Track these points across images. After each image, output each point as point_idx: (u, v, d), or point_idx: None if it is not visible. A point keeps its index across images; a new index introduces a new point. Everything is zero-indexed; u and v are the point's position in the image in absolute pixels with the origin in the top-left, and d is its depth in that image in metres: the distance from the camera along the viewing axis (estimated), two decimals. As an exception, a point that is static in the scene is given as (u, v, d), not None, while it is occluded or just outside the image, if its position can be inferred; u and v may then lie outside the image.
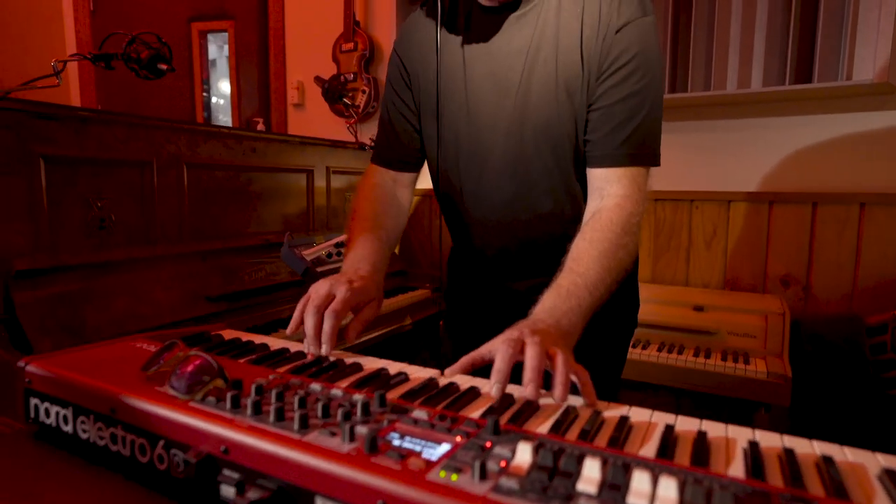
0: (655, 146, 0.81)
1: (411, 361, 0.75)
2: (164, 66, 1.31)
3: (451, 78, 0.88)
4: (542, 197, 0.87)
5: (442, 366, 0.68)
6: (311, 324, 0.70)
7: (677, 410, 1.92)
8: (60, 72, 1.19)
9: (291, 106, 2.59)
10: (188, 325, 1.34)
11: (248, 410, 0.48)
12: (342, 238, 1.21)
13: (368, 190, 0.98)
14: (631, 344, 1.56)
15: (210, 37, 2.69)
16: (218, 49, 2.90)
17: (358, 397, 0.52)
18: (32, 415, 0.60)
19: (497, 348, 0.59)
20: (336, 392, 0.53)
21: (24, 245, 1.14)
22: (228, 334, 0.82)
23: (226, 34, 2.63)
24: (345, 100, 1.88)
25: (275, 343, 0.77)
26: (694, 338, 1.51)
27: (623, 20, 0.78)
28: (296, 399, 0.49)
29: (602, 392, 0.60)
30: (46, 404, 0.59)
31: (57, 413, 0.58)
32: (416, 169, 1.00)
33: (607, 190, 0.80)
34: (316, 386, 0.55)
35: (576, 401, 0.57)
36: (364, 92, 2.30)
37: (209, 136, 1.51)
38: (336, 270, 1.11)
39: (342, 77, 1.89)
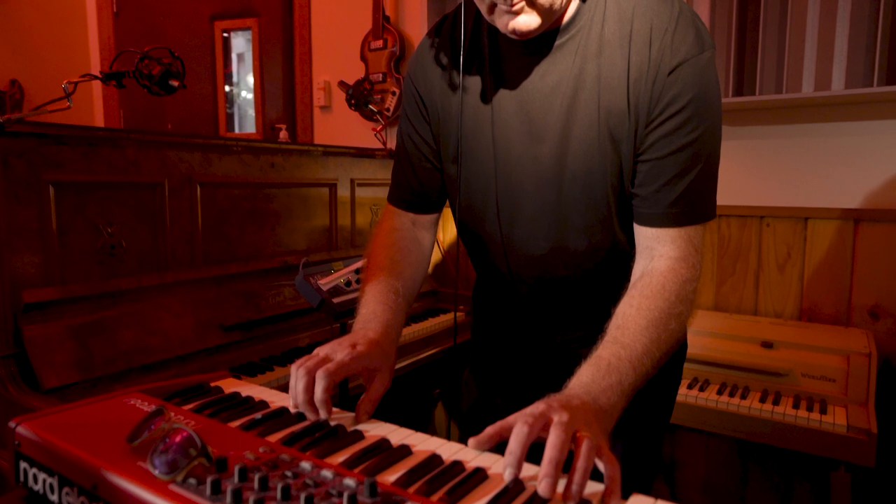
0: (712, 200, 0.80)
1: (438, 398, 0.76)
2: (175, 83, 1.37)
3: (476, 117, 0.88)
4: (581, 250, 0.86)
5: (461, 419, 0.68)
6: (301, 387, 0.70)
7: (741, 466, 1.85)
8: (71, 93, 1.27)
9: (318, 108, 2.66)
10: (200, 358, 1.40)
11: (228, 499, 0.50)
12: (363, 263, 1.23)
13: (385, 235, 0.98)
14: (686, 384, 1.52)
15: (239, 32, 2.80)
16: (247, 43, 3.00)
17: (349, 483, 0.53)
18: (22, 479, 0.65)
19: (515, 425, 0.58)
20: (326, 474, 0.55)
21: (33, 276, 1.22)
22: (229, 385, 0.85)
23: (250, 32, 2.72)
24: (371, 106, 1.91)
25: (276, 398, 0.79)
26: (761, 379, 1.45)
27: (677, 60, 0.76)
28: (279, 488, 0.51)
29: (638, 465, 0.59)
30: (35, 470, 0.63)
31: (44, 481, 0.61)
32: (439, 208, 1.00)
33: (658, 250, 0.78)
34: (306, 465, 0.56)
35: (594, 486, 0.56)
36: (394, 94, 2.34)
37: (224, 151, 1.57)
38: (356, 301, 1.13)
39: (367, 81, 1.92)
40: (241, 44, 2.84)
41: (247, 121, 2.89)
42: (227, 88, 2.80)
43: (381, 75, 2.38)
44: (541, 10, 0.76)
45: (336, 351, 0.75)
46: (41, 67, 2.67)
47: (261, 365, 1.46)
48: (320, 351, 0.75)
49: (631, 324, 0.72)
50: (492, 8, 0.77)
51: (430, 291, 2.14)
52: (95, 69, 2.86)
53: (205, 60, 2.73)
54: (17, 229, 1.19)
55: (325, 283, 1.44)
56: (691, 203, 0.78)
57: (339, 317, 1.27)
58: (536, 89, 0.83)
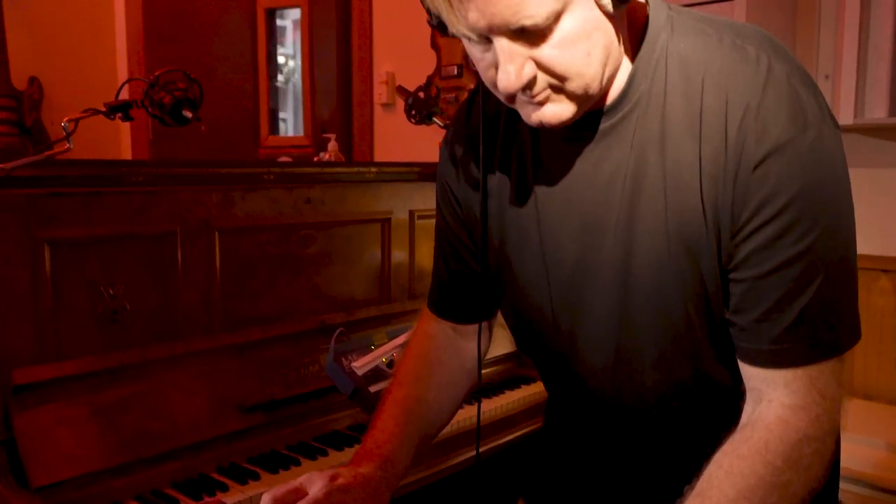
0: (848, 322, 0.76)
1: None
2: (188, 114, 1.46)
3: (519, 218, 0.89)
4: (657, 387, 0.86)
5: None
6: None
7: None
8: (72, 133, 1.39)
9: (378, 106, 2.74)
10: (215, 446, 1.49)
11: None
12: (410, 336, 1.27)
13: (418, 341, 1.03)
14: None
15: (287, 11, 2.93)
16: (295, 26, 3.14)
17: None
18: None
19: None
20: None
21: (25, 350, 1.34)
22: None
23: (298, 12, 2.84)
24: (436, 119, 1.94)
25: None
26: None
27: (765, 147, 0.71)
28: None
29: None
30: None
31: None
32: (486, 316, 1.02)
33: (768, 394, 0.76)
34: None
35: None
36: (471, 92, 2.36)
37: (251, 184, 1.66)
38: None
39: (433, 85, 1.96)
40: (289, 27, 2.98)
41: (296, 120, 3.02)
42: (273, 81, 2.94)
43: (455, 68, 2.42)
44: (573, 97, 0.75)
45: (314, 482, 0.80)
46: (62, 62, 2.93)
47: (285, 456, 1.53)
48: (301, 479, 0.81)
49: (715, 492, 0.71)
50: (511, 98, 0.77)
51: (512, 354, 2.13)
52: (122, 61, 3.10)
53: (244, 48, 2.88)
54: (8, 297, 1.32)
55: (361, 365, 1.49)
56: (811, 333, 0.74)
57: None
58: (588, 182, 0.83)
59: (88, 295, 1.42)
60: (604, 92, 0.79)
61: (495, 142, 0.91)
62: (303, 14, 2.79)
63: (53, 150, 1.37)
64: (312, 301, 1.79)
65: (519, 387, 1.95)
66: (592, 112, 0.80)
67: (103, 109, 1.43)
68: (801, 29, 1.92)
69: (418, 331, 1.05)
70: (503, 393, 1.90)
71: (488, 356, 1.09)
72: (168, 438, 1.43)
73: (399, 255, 1.99)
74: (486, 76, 0.77)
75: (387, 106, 2.72)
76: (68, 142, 1.38)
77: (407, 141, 2.66)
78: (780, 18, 1.86)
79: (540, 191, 0.87)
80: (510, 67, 0.72)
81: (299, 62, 3.11)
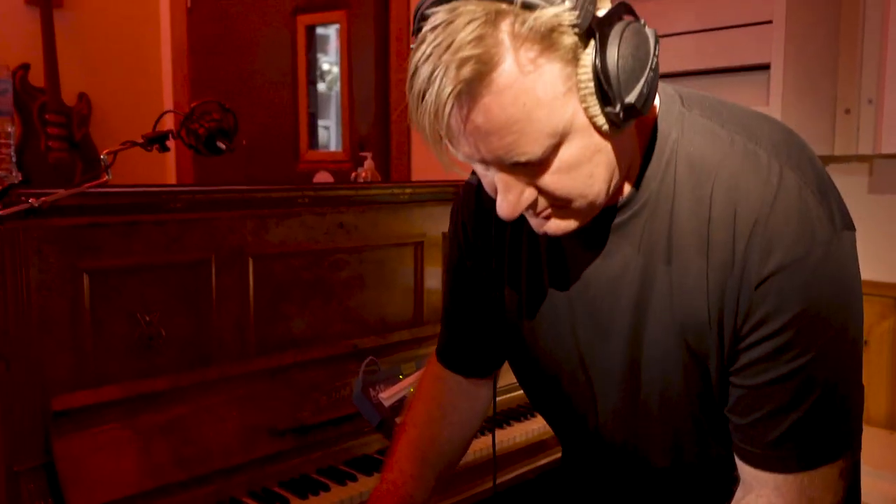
0: (844, 433, 0.76)
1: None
2: (222, 145, 1.50)
3: (531, 295, 0.91)
4: (665, 468, 0.88)
5: None
6: None
7: None
8: (110, 165, 1.43)
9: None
10: (246, 470, 1.52)
11: None
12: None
13: (429, 382, 1.06)
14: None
15: (327, 27, 2.97)
16: (335, 41, 3.18)
17: None
18: None
19: None
20: None
21: (64, 377, 1.39)
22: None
23: (337, 28, 2.87)
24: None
25: None
26: None
27: (769, 268, 0.71)
28: None
29: None
30: None
31: None
32: (496, 368, 1.05)
33: (758, 489, 0.78)
34: None
35: None
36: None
37: (283, 216, 1.69)
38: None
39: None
40: (332, 35, 3.02)
41: (338, 128, 3.06)
42: (314, 88, 2.98)
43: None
44: (577, 213, 0.76)
45: None
46: (110, 78, 3.02)
47: (315, 481, 1.56)
48: None
49: None
50: None
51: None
52: (166, 75, 3.18)
53: (285, 64, 2.93)
54: (50, 326, 1.38)
55: (389, 396, 1.51)
56: (802, 444, 0.75)
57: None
58: (596, 272, 0.84)
59: (125, 322, 1.47)
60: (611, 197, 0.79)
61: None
62: (341, 29, 2.83)
63: (93, 182, 1.41)
64: (345, 325, 1.81)
65: (526, 419, 1.93)
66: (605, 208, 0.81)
67: (141, 141, 1.47)
68: (843, 52, 1.87)
69: (429, 373, 1.07)
70: (511, 424, 1.88)
71: (501, 383, 1.10)
72: (201, 463, 1.47)
73: (432, 277, 2.00)
74: (487, 189, 0.78)
75: (424, 122, 2.72)
76: (107, 174, 1.43)
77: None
78: (822, 41, 1.81)
79: (552, 273, 0.88)
80: (508, 197, 0.72)
81: (338, 76, 3.14)
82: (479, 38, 0.64)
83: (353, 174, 2.59)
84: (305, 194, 1.79)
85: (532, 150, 0.68)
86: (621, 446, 0.90)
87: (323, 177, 2.91)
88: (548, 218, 0.76)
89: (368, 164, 2.39)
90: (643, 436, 0.87)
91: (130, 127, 2.90)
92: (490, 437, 1.01)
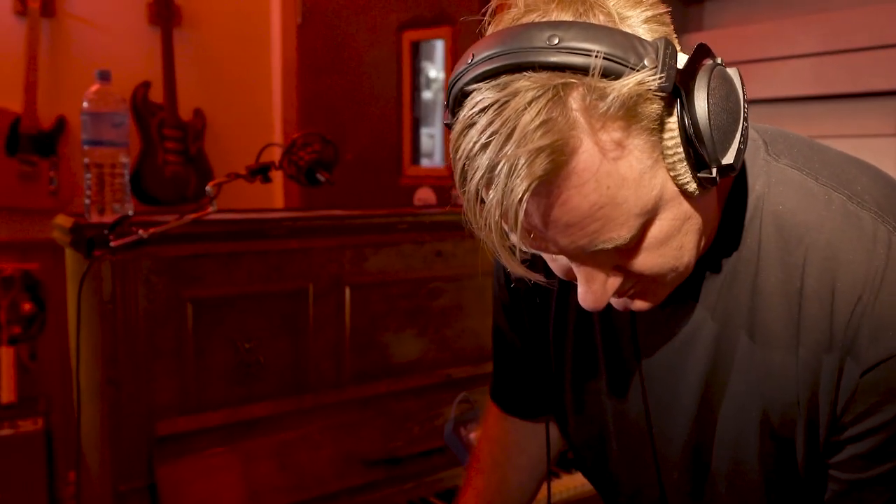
0: None
1: None
2: (322, 176, 1.53)
3: (581, 356, 0.86)
4: None
5: None
6: None
7: None
8: (215, 197, 1.49)
9: (520, 139, 2.72)
10: (338, 498, 1.55)
11: None
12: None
13: (492, 423, 1.03)
14: None
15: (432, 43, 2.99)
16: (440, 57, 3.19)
17: None
18: None
19: None
20: None
21: (169, 401, 1.46)
22: None
23: (442, 43, 2.88)
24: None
25: None
26: None
27: (879, 354, 0.62)
28: None
29: None
30: None
31: None
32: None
33: None
34: None
35: None
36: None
37: (380, 244, 1.71)
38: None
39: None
40: (434, 51, 3.03)
41: (440, 143, 3.07)
42: (418, 98, 3.01)
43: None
44: (665, 289, 0.69)
45: None
46: (223, 92, 3.15)
47: (406, 513, 1.57)
48: None
49: None
50: None
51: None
52: (276, 89, 3.29)
53: (390, 80, 2.96)
54: (156, 353, 1.44)
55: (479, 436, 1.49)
56: None
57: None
58: (661, 337, 0.76)
59: (225, 349, 1.52)
60: None
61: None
62: (446, 46, 2.84)
63: (198, 213, 1.47)
64: (440, 353, 1.81)
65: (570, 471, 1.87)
66: None
67: (244, 174, 1.52)
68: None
69: (490, 414, 1.04)
70: (560, 476, 1.82)
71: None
72: (296, 490, 1.51)
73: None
74: (560, 275, 0.70)
75: (527, 139, 2.70)
76: (212, 205, 1.48)
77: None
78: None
79: (605, 331, 0.82)
80: (593, 287, 0.65)
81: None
82: (548, 123, 0.54)
83: (453, 190, 2.59)
84: (405, 220, 1.80)
85: (620, 234, 0.60)
86: None
87: (425, 193, 2.93)
88: (632, 298, 0.70)
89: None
90: None
91: (242, 141, 3.03)
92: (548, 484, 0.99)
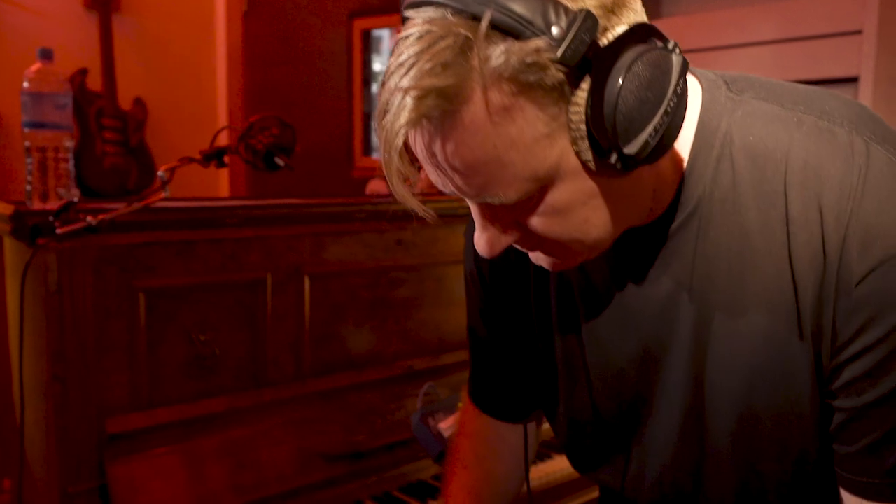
0: None
1: None
2: (280, 161, 1.48)
3: (563, 334, 0.84)
4: None
5: None
6: None
7: None
8: (168, 182, 1.42)
9: (474, 130, 2.70)
10: (300, 495, 1.50)
11: None
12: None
13: (470, 418, 1.01)
14: None
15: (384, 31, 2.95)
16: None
17: None
18: None
19: None
20: None
21: (119, 398, 1.39)
22: None
23: (392, 30, 2.85)
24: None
25: None
26: None
27: (869, 263, 0.62)
28: None
29: None
30: None
31: None
32: (535, 409, 0.98)
33: None
34: None
35: None
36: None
37: (340, 233, 1.66)
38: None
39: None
40: (386, 36, 2.99)
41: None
42: (368, 94, 2.97)
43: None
44: (577, 256, 0.68)
45: None
46: (165, 82, 3.06)
47: (369, 510, 1.53)
48: None
49: None
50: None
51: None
52: (221, 79, 3.20)
53: (340, 70, 2.91)
54: (107, 347, 1.37)
55: (449, 426, 1.46)
56: None
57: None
58: (643, 299, 0.75)
59: (180, 342, 1.46)
60: (642, 217, 0.70)
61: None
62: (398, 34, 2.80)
63: (151, 198, 1.41)
64: (401, 345, 1.78)
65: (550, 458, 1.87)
66: (636, 228, 0.71)
67: (198, 158, 1.46)
68: (940, 64, 1.77)
69: (467, 410, 1.02)
70: (544, 461, 1.82)
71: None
72: (255, 488, 1.45)
73: (491, 295, 1.96)
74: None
75: (482, 130, 2.68)
76: (165, 191, 1.42)
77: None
78: (916, 52, 1.72)
79: (587, 308, 0.80)
80: (485, 234, 0.65)
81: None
82: (446, 67, 0.55)
83: (408, 182, 2.56)
84: (363, 208, 1.76)
85: (506, 194, 0.60)
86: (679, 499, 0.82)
87: (377, 184, 2.89)
88: (544, 254, 0.68)
89: (424, 174, 2.35)
90: (708, 485, 0.78)
91: (185, 132, 2.94)
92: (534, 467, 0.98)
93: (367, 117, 2.93)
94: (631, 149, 0.58)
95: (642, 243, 0.72)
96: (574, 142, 0.59)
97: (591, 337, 0.81)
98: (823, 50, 1.60)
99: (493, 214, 0.64)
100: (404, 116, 0.55)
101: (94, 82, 2.89)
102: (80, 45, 2.89)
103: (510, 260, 0.85)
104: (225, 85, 3.21)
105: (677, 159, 0.69)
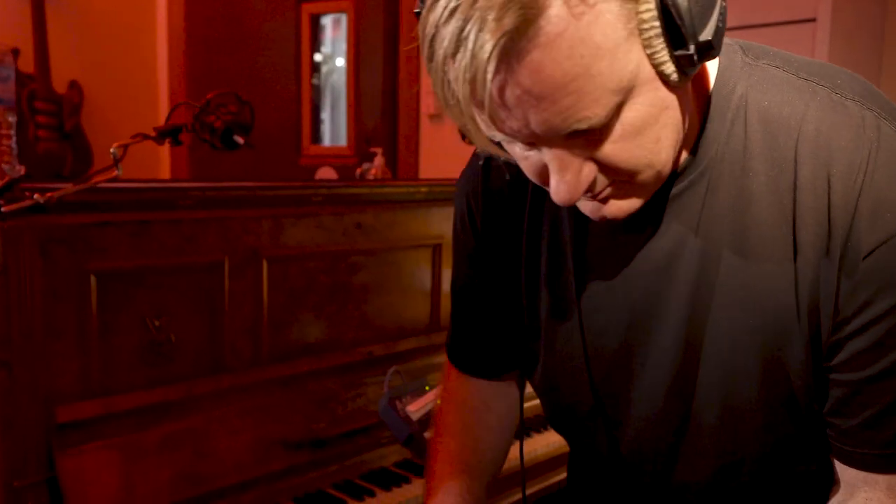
0: None
1: None
2: (239, 139, 1.43)
3: (555, 292, 0.83)
4: (708, 484, 0.81)
5: None
6: None
7: None
8: (120, 159, 1.36)
9: (426, 118, 2.70)
10: (259, 485, 1.47)
11: None
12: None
13: (454, 385, 1.00)
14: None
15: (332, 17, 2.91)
16: (340, 31, 3.11)
17: None
18: None
19: None
20: None
21: (70, 386, 1.33)
22: None
23: (344, 18, 2.81)
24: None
25: None
26: None
27: (877, 235, 0.63)
28: None
29: None
30: None
31: None
32: (519, 365, 0.97)
33: (866, 492, 0.72)
34: None
35: None
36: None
37: (300, 215, 1.63)
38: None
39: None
40: (328, 25, 2.95)
41: (339, 130, 3.00)
42: (315, 86, 2.92)
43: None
44: (642, 189, 0.67)
45: None
46: (102, 65, 2.95)
47: (331, 496, 1.51)
48: None
49: None
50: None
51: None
52: (162, 62, 3.10)
53: (287, 55, 2.86)
54: (55, 331, 1.31)
55: (417, 409, 1.45)
56: None
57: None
58: (640, 259, 0.75)
59: (134, 328, 1.40)
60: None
61: (523, 203, 0.84)
62: (349, 19, 2.77)
63: (102, 176, 1.35)
64: (361, 331, 1.76)
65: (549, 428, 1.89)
66: None
67: (153, 135, 1.41)
68: (888, 52, 1.83)
69: (450, 377, 1.01)
70: (534, 435, 1.83)
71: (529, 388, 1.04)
72: (213, 478, 1.41)
73: (449, 280, 1.95)
74: (531, 175, 0.67)
75: (434, 118, 2.68)
76: (117, 168, 1.36)
77: (454, 158, 2.61)
78: (867, 41, 1.77)
79: (579, 262, 0.80)
80: (566, 177, 0.62)
81: (336, 63, 3.08)
82: None
83: (359, 170, 2.53)
84: (319, 192, 1.73)
85: (595, 111, 0.58)
86: (664, 462, 0.82)
87: (326, 172, 2.85)
88: (605, 200, 0.67)
89: (379, 160, 2.33)
90: (693, 452, 0.79)
91: (124, 117, 2.83)
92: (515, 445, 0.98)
93: (314, 105, 2.88)
94: (707, 34, 0.58)
95: (651, 199, 0.72)
96: (648, 43, 0.58)
97: (585, 291, 0.80)
98: (779, 37, 1.65)
99: (570, 154, 0.62)
100: (489, 41, 0.53)
101: (27, 64, 2.77)
102: (10, 25, 2.77)
103: (505, 210, 0.85)
104: (166, 69, 3.11)
105: (697, 109, 0.70)
